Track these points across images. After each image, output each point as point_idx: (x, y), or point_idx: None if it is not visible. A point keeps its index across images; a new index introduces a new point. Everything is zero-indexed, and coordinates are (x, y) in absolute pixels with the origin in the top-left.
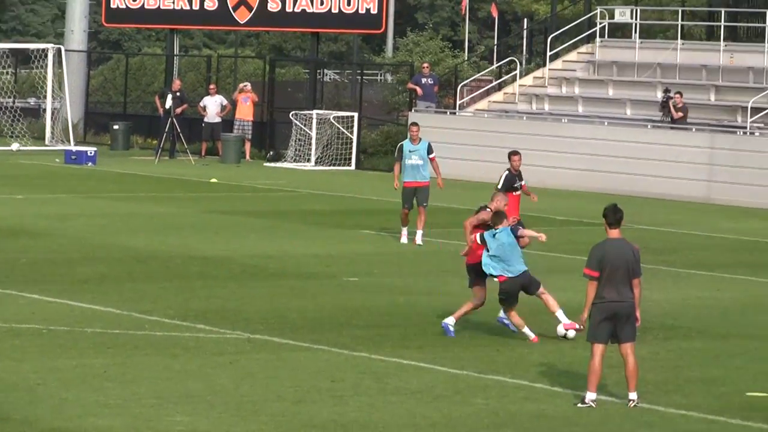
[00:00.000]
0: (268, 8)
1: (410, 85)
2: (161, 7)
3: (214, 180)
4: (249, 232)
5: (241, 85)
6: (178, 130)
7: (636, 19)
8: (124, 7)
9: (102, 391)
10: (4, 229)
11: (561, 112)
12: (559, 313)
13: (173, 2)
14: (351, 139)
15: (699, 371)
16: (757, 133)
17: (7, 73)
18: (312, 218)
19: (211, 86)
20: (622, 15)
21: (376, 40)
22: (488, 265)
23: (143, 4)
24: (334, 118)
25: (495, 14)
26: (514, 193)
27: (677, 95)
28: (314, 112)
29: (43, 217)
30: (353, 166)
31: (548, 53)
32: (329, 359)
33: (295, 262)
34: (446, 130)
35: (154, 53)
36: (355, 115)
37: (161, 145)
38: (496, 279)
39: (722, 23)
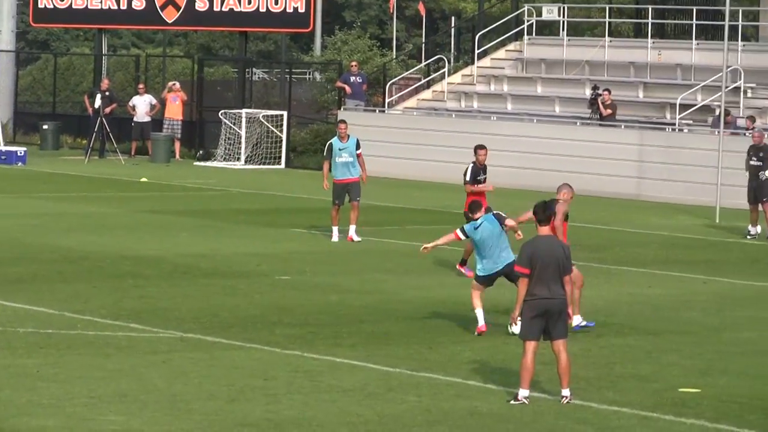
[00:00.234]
0: (196, 8)
1: (339, 84)
2: (89, 6)
3: (144, 179)
4: (180, 231)
5: (170, 83)
6: (108, 129)
7: (564, 17)
8: (51, 7)
9: (35, 391)
10: None
11: (490, 110)
12: None
13: (101, 2)
14: (281, 137)
15: (631, 367)
16: (685, 130)
17: None
18: (243, 217)
19: (140, 86)
20: (550, 13)
21: (305, 39)
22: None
23: (71, 4)
24: (263, 116)
25: (423, 12)
26: (478, 185)
27: (606, 92)
28: (243, 111)
29: None
30: (283, 165)
31: (476, 51)
32: (262, 358)
33: (226, 261)
34: (375, 129)
35: (83, 53)
36: (285, 113)
37: (91, 145)
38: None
39: (650, 20)
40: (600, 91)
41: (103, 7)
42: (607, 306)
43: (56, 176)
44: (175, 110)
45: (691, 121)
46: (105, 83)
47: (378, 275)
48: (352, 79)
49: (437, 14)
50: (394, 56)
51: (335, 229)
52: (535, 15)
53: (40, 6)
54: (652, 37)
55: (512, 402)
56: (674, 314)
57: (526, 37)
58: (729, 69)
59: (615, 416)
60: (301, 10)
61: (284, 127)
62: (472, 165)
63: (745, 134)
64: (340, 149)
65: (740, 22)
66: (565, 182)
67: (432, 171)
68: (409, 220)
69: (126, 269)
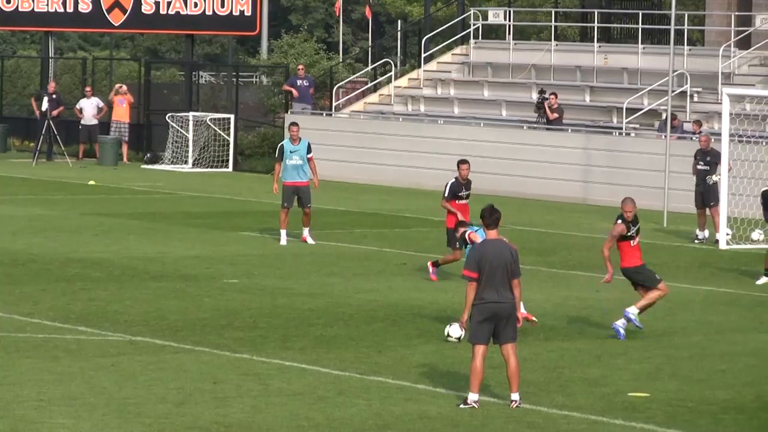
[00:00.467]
0: (143, 10)
1: (286, 87)
2: (35, 9)
3: (92, 182)
4: (128, 234)
5: (117, 86)
6: (55, 132)
7: (510, 21)
8: None
9: None
10: None
11: (437, 114)
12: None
13: (47, 5)
14: (228, 141)
15: (581, 372)
16: (632, 134)
17: None
18: (191, 220)
19: (87, 88)
20: (496, 16)
21: (251, 42)
22: None
23: (17, 7)
24: (210, 120)
25: (369, 16)
26: (457, 202)
27: (552, 96)
28: (190, 114)
29: None
30: (231, 168)
31: (423, 55)
32: (211, 361)
33: (174, 264)
34: (323, 132)
35: (30, 56)
36: (232, 117)
37: (38, 148)
38: None
39: (596, 24)
40: (546, 95)
41: (50, 10)
42: (555, 310)
43: (3, 179)
44: (122, 113)
45: (637, 125)
46: (52, 86)
47: (326, 279)
48: (299, 82)
49: (383, 18)
50: (341, 60)
51: (283, 232)
52: (481, 19)
53: None
54: (598, 41)
55: (462, 406)
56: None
57: (472, 40)
58: (675, 73)
59: (564, 420)
60: (248, 13)
61: (231, 131)
62: (453, 181)
63: (691, 138)
64: (291, 151)
65: (686, 27)
66: (628, 195)
67: (379, 174)
68: (357, 224)
69: (74, 272)
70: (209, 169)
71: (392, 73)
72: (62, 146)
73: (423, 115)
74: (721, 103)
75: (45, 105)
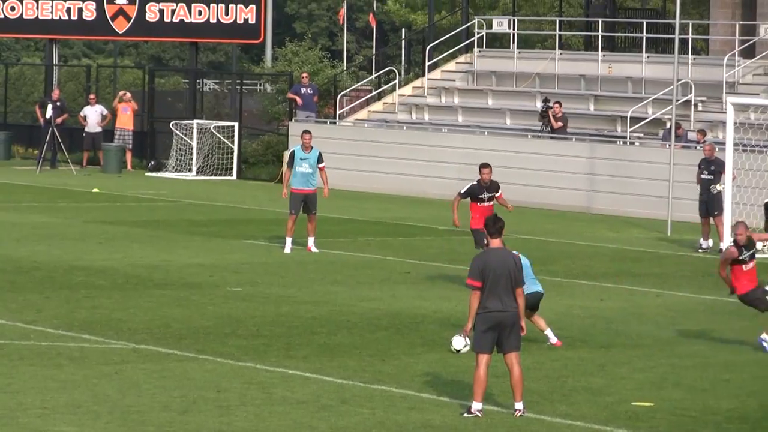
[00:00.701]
0: (147, 18)
1: (290, 95)
2: (39, 17)
3: (96, 190)
4: (132, 242)
5: (121, 93)
6: (59, 139)
7: (514, 29)
8: (2, 17)
9: None
10: None
11: (441, 122)
12: (548, 332)
13: (52, 12)
14: (232, 149)
15: (584, 381)
16: (636, 143)
17: None
18: (195, 228)
19: (91, 96)
20: (500, 25)
21: (255, 50)
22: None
23: (21, 14)
24: (214, 128)
25: (373, 24)
26: (479, 204)
27: (556, 105)
28: (195, 121)
29: None
30: (235, 176)
31: (427, 63)
32: (215, 369)
33: (178, 272)
34: (326, 140)
35: (34, 63)
36: (236, 125)
37: (42, 155)
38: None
39: (600, 33)
40: (551, 104)
41: (54, 18)
42: (558, 319)
43: (7, 186)
44: (126, 120)
45: (641, 134)
46: (56, 93)
47: (330, 287)
48: (303, 90)
49: (388, 26)
50: (345, 68)
51: (289, 240)
52: (485, 27)
53: None
54: (602, 50)
55: (465, 415)
56: (626, 327)
57: (476, 49)
58: (679, 82)
59: (568, 430)
60: (252, 21)
61: (235, 138)
62: (474, 183)
63: (696, 147)
64: (301, 158)
65: (690, 36)
66: (740, 220)
67: (383, 183)
68: (360, 232)
69: (78, 280)
70: (213, 177)
71: (396, 81)
72: (66, 154)
73: (427, 123)
74: (725, 112)
75: (49, 112)
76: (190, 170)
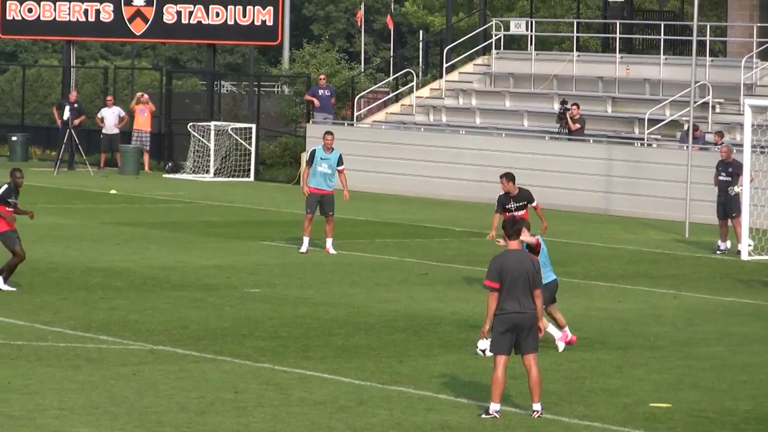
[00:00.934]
0: (164, 20)
1: (307, 97)
2: (57, 18)
3: (113, 191)
4: (149, 243)
5: (138, 94)
6: (77, 141)
7: (531, 31)
8: (20, 18)
9: (6, 403)
10: None
11: (458, 124)
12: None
13: (69, 14)
14: (249, 150)
15: (602, 382)
16: (654, 145)
17: None
18: (212, 229)
19: (108, 98)
20: (518, 27)
21: (272, 52)
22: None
23: (39, 16)
24: (232, 129)
25: (391, 26)
26: (508, 214)
27: (574, 107)
28: (212, 123)
29: None
30: (252, 178)
31: (444, 65)
32: (232, 370)
33: (196, 274)
34: (344, 142)
35: (51, 65)
36: (253, 126)
37: (60, 157)
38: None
39: (617, 35)
40: (568, 106)
41: (72, 19)
42: (576, 320)
43: (25, 188)
44: (143, 122)
45: (659, 136)
46: (73, 95)
47: (347, 288)
48: (321, 92)
49: (405, 28)
50: (363, 70)
51: (306, 239)
52: (503, 29)
53: (8, 17)
54: (620, 52)
55: (483, 416)
56: (644, 329)
57: (494, 51)
58: (697, 84)
59: (586, 431)
60: (269, 23)
61: (253, 140)
62: (500, 194)
63: (714, 149)
64: (321, 158)
65: (708, 38)
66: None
67: (400, 184)
68: (378, 233)
69: (95, 281)
70: (230, 179)
71: (414, 83)
72: (84, 155)
73: (444, 125)
74: (743, 114)
75: (66, 114)
76: (207, 172)
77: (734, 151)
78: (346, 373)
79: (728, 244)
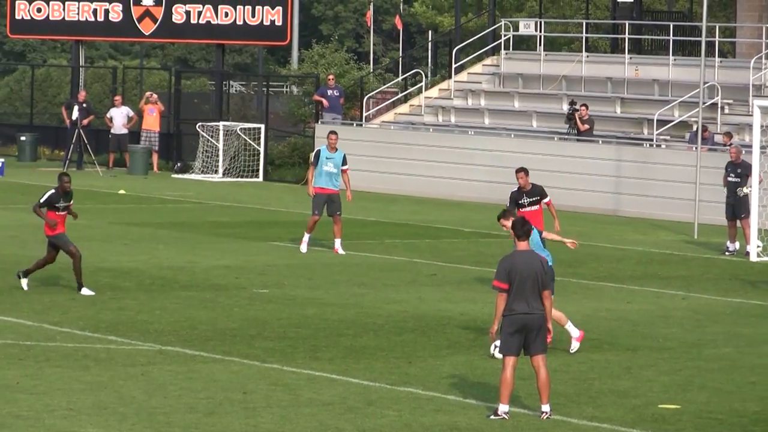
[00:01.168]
0: (173, 20)
1: (316, 97)
2: (66, 18)
3: (122, 191)
4: (158, 243)
5: (147, 94)
6: (86, 141)
7: (540, 32)
8: (29, 18)
9: (15, 403)
10: None
11: (467, 124)
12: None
13: (78, 13)
14: (258, 150)
15: (611, 383)
16: (663, 146)
17: None
18: (220, 230)
19: (117, 98)
20: (527, 27)
21: (281, 52)
22: None
23: (48, 16)
24: (240, 129)
25: (399, 26)
26: (521, 210)
27: (583, 107)
28: (221, 123)
29: None
30: (261, 178)
31: (453, 65)
32: (241, 371)
33: (204, 274)
34: (353, 142)
35: (60, 64)
36: (262, 126)
37: (68, 156)
38: None
39: (626, 36)
40: (577, 106)
41: (81, 19)
42: (585, 321)
43: (34, 187)
44: (152, 122)
45: (668, 137)
46: (82, 95)
47: (356, 289)
48: (329, 92)
49: (414, 28)
50: (371, 70)
51: (307, 236)
52: (512, 29)
53: (17, 17)
54: (629, 53)
55: (492, 417)
56: (652, 330)
57: (503, 51)
58: (706, 85)
59: None
60: (278, 23)
61: (262, 140)
62: (513, 189)
63: (723, 150)
64: (327, 158)
65: (717, 39)
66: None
67: (409, 185)
68: (387, 234)
69: (104, 281)
70: (239, 179)
71: (423, 83)
72: (92, 155)
73: (453, 125)
74: (752, 115)
75: (75, 114)
76: (216, 172)
77: (743, 152)
78: (355, 373)
79: (737, 245)
